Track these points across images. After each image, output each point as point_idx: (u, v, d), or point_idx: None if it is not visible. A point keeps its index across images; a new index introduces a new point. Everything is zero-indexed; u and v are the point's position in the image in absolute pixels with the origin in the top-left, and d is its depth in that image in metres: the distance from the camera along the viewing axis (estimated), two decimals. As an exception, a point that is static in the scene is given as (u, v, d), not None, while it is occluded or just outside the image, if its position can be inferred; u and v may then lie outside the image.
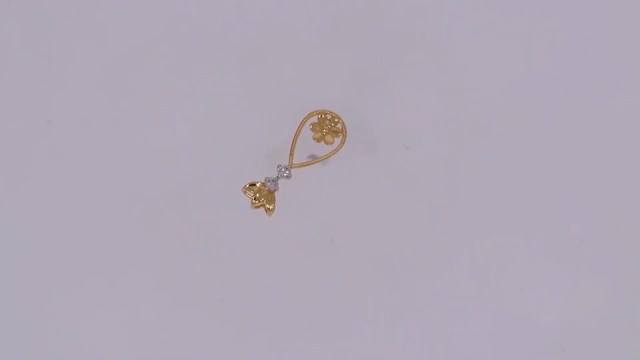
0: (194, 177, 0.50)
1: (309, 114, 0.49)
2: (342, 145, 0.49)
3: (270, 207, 0.48)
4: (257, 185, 0.48)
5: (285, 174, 0.49)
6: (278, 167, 0.49)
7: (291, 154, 0.49)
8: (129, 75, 0.51)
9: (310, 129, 0.49)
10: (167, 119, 0.51)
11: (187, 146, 0.51)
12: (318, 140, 0.50)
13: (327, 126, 0.49)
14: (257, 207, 0.48)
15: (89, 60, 0.52)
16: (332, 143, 0.50)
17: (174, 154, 0.51)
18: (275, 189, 0.48)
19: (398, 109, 0.51)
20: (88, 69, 0.51)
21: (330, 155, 0.49)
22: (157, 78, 0.51)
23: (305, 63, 0.52)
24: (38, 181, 0.50)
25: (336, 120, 0.49)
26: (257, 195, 0.48)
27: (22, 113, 0.51)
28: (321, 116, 0.49)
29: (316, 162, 0.50)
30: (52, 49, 0.52)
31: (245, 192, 0.48)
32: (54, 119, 0.51)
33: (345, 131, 0.49)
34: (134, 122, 0.51)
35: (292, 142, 0.49)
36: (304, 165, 0.49)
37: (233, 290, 0.50)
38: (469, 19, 0.52)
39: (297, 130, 0.49)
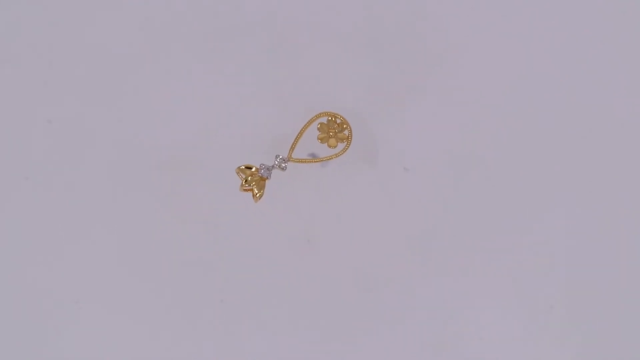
0: (195, 147, 0.51)
1: (320, 114, 0.49)
2: (343, 152, 0.49)
3: (258, 194, 0.49)
4: (252, 169, 0.49)
5: (280, 165, 0.49)
6: (276, 156, 0.49)
7: (292, 148, 0.49)
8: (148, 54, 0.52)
9: (318, 128, 0.50)
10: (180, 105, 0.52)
11: (198, 121, 0.51)
12: (322, 141, 0.50)
13: (334, 129, 0.50)
14: (246, 190, 0.49)
15: (92, 55, 0.52)
16: (335, 147, 0.50)
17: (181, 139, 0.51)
18: (267, 177, 0.49)
19: (407, 130, 0.51)
20: (89, 67, 0.52)
21: (330, 159, 0.50)
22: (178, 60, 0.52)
23: (331, 63, 0.52)
24: (38, 181, 0.51)
25: (344, 126, 0.50)
26: (249, 178, 0.49)
27: (22, 113, 0.51)
28: (331, 118, 0.49)
29: (314, 161, 0.50)
30: (52, 49, 0.52)
31: (237, 173, 0.49)
32: (54, 119, 0.51)
33: (351, 139, 0.49)
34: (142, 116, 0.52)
35: (296, 137, 0.49)
36: (301, 162, 0.49)
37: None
38: (493, 62, 0.52)
39: (303, 127, 0.49)
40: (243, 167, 0.49)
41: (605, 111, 0.52)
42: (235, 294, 0.50)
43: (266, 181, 0.49)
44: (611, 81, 0.52)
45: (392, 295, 0.50)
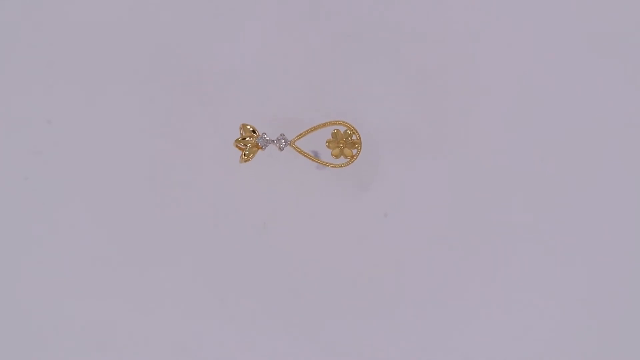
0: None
1: (342, 122, 0.49)
2: (342, 166, 0.49)
3: (245, 156, 0.49)
4: (255, 133, 0.49)
5: (279, 144, 0.49)
6: (280, 134, 0.49)
7: (299, 136, 0.49)
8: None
9: (332, 133, 0.49)
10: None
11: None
12: (328, 146, 0.50)
13: (345, 142, 0.49)
14: (238, 147, 0.49)
15: (90, 60, 0.52)
16: (337, 158, 0.50)
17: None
18: (262, 148, 0.49)
19: (403, 183, 0.51)
20: (89, 70, 0.52)
21: (327, 165, 0.49)
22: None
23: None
24: (38, 181, 0.51)
25: (356, 145, 0.49)
26: (246, 139, 0.49)
27: (22, 113, 0.51)
28: (349, 131, 0.49)
29: (313, 159, 0.50)
30: (52, 49, 0.51)
31: (241, 128, 0.49)
32: (53, 119, 0.51)
33: (355, 159, 0.49)
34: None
35: (309, 129, 0.49)
36: (300, 152, 0.49)
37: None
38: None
39: (321, 124, 0.49)
40: (249, 127, 0.49)
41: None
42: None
43: (259, 151, 0.49)
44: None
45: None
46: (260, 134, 0.49)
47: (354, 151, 0.49)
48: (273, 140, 0.49)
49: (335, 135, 0.49)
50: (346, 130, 0.49)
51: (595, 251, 0.51)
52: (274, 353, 0.50)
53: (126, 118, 0.51)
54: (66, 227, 0.50)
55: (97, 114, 0.51)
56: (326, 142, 0.50)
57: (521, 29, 0.52)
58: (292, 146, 0.49)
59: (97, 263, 0.50)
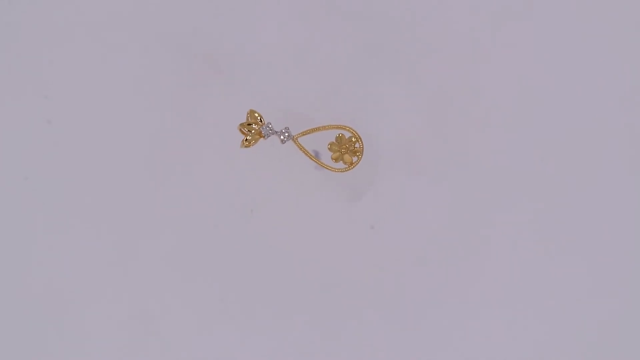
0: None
1: (349, 127, 0.49)
2: (338, 171, 0.49)
3: (247, 141, 0.49)
4: (261, 122, 0.49)
5: (282, 136, 0.49)
6: (285, 127, 0.49)
7: (303, 132, 0.49)
8: None
9: (336, 137, 0.49)
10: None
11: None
12: (330, 148, 0.50)
13: (347, 149, 0.49)
14: (241, 132, 0.49)
15: (90, 60, 0.52)
16: (335, 162, 0.50)
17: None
18: (264, 136, 0.49)
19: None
20: (89, 69, 0.52)
21: (324, 167, 0.50)
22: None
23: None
24: (38, 181, 0.51)
25: (357, 154, 0.49)
26: (251, 125, 0.49)
27: (22, 113, 0.51)
28: (354, 139, 0.49)
29: (312, 158, 0.50)
30: (52, 48, 0.52)
31: (248, 114, 0.49)
32: (53, 119, 0.51)
33: (354, 166, 0.49)
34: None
35: (315, 128, 0.49)
36: (300, 149, 0.49)
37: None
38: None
39: (327, 125, 0.49)
40: (257, 114, 0.49)
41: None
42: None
43: (260, 139, 0.49)
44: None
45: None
46: (266, 123, 0.49)
47: (354, 159, 0.50)
48: (277, 132, 0.49)
49: (339, 139, 0.50)
50: (351, 137, 0.49)
51: (595, 251, 0.51)
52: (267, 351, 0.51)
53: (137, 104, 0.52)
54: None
55: (97, 115, 0.52)
56: (329, 144, 0.50)
57: (531, 44, 0.52)
58: (294, 141, 0.49)
59: (95, 256, 0.51)
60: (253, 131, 0.49)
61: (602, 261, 0.51)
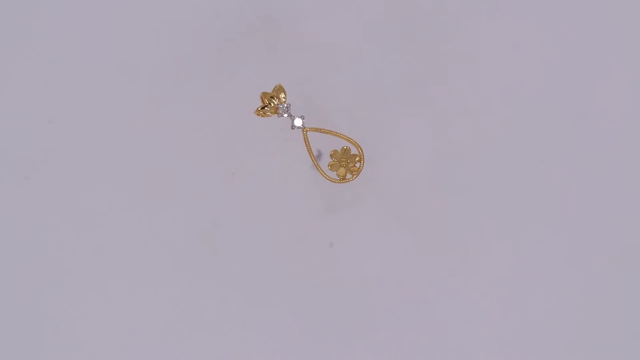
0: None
1: (354, 141, 0.49)
2: (332, 181, 0.50)
3: (262, 110, 0.49)
4: (283, 100, 0.49)
5: (293, 121, 0.49)
6: (301, 116, 0.50)
7: (315, 129, 0.50)
8: None
9: (342, 148, 0.50)
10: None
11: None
12: (332, 157, 0.50)
13: (347, 161, 0.50)
14: (261, 98, 0.49)
15: (89, 59, 0.52)
16: (333, 171, 0.50)
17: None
18: (279, 115, 0.49)
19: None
20: (90, 68, 0.52)
21: (320, 172, 0.50)
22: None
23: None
24: (38, 181, 0.51)
25: (355, 172, 0.49)
26: (273, 98, 0.49)
27: (22, 113, 0.52)
28: (358, 154, 0.49)
29: (312, 158, 0.50)
30: (52, 48, 0.52)
31: (276, 89, 0.49)
32: (54, 119, 0.51)
33: (350, 180, 0.49)
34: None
35: (328, 129, 0.50)
36: (306, 143, 0.50)
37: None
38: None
39: (340, 133, 0.50)
40: (283, 94, 0.49)
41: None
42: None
43: (274, 115, 0.49)
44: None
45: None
46: (287, 104, 0.49)
47: (349, 175, 0.50)
48: (292, 116, 0.49)
49: (343, 150, 0.50)
50: (355, 155, 0.50)
51: (595, 251, 0.51)
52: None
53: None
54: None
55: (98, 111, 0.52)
56: (332, 151, 0.50)
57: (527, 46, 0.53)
58: (303, 132, 0.50)
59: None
60: (272, 104, 0.49)
61: (604, 260, 0.51)
